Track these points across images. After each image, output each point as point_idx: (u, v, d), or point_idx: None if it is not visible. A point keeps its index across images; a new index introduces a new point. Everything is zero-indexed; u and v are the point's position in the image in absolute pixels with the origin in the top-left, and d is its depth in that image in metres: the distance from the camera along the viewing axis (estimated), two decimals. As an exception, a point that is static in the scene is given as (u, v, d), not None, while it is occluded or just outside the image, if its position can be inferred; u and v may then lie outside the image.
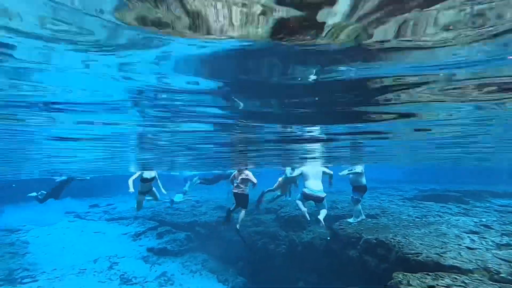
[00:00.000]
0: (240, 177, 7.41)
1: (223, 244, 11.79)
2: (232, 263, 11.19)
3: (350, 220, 7.85)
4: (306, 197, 7.20)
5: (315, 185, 7.07)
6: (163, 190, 7.96)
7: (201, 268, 11.12)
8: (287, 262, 9.38)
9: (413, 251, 5.38)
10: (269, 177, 11.12)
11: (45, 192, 9.57)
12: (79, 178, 10.68)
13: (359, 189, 7.63)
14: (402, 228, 7.21)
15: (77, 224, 13.76)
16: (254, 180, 7.14)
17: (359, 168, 7.59)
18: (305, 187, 7.17)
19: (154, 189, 7.95)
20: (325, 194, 7.16)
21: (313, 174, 7.21)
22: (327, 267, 8.08)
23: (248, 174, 7.30)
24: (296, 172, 7.68)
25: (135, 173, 7.34)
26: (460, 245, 5.35)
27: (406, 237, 6.19)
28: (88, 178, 11.20)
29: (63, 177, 9.83)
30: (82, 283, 9.20)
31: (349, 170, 7.72)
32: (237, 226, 7.70)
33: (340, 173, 7.80)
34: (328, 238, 8.44)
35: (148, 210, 14.27)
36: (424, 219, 8.17)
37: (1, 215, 13.51)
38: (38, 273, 9.37)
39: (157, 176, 7.82)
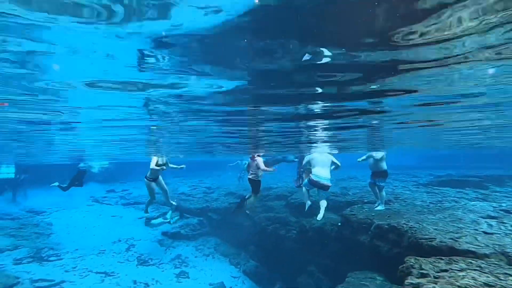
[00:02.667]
0: (253, 164, 7.53)
1: (235, 229, 12.06)
2: (243, 247, 11.48)
3: (379, 208, 7.69)
4: (312, 184, 7.18)
5: (322, 173, 7.04)
6: (180, 166, 7.62)
7: (213, 252, 11.50)
8: (298, 247, 9.49)
9: (426, 236, 5.27)
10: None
11: (65, 185, 9.81)
12: (93, 168, 11.07)
13: (380, 175, 7.48)
14: (416, 213, 7.05)
15: (95, 208, 14.45)
16: (262, 167, 7.21)
17: (379, 154, 7.43)
18: (312, 174, 7.13)
19: (161, 178, 7.49)
20: (330, 184, 7.14)
21: (322, 162, 7.17)
22: (338, 251, 8.11)
23: (258, 161, 7.34)
24: (305, 159, 7.65)
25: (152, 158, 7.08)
26: (476, 230, 5.17)
27: (420, 223, 6.06)
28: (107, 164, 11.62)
29: (82, 165, 10.18)
30: (103, 263, 9.76)
31: (367, 156, 7.60)
32: (247, 211, 7.84)
33: (358, 159, 7.69)
34: (339, 224, 8.43)
35: (162, 196, 14.71)
36: (439, 204, 7.96)
37: (26, 198, 14.35)
38: (62, 252, 10.00)
39: (168, 161, 7.74)
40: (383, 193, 7.69)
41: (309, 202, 7.32)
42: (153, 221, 9.94)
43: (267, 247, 10.47)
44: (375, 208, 7.75)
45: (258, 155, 7.58)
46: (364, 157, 7.72)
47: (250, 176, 7.61)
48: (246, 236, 11.55)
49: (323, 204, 7.22)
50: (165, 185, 7.61)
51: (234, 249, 11.62)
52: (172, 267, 10.20)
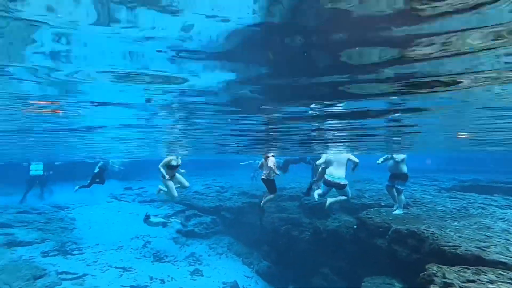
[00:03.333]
0: (265, 164, 7.58)
1: (248, 228, 12.09)
2: (256, 247, 11.48)
3: (397, 212, 7.44)
4: (327, 184, 7.14)
5: (336, 172, 6.99)
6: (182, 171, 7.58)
7: (227, 251, 11.59)
8: (312, 248, 9.37)
9: (450, 244, 5.01)
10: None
11: (87, 183, 10.39)
12: (114, 166, 11.53)
13: (400, 177, 7.24)
14: (437, 219, 6.74)
15: (114, 205, 14.98)
16: (273, 167, 7.26)
17: (401, 156, 7.20)
18: (326, 174, 7.08)
19: (177, 174, 7.46)
20: (346, 182, 7.02)
21: (337, 161, 7.11)
22: (353, 254, 7.93)
23: (269, 161, 7.38)
24: (321, 160, 7.57)
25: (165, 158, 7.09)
26: (508, 239, 4.85)
27: (442, 229, 5.78)
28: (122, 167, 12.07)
29: (101, 163, 10.64)
30: (121, 258, 10.11)
31: (384, 158, 7.39)
32: (261, 203, 8.07)
33: (378, 161, 7.51)
34: (355, 226, 8.25)
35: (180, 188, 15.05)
36: (463, 211, 7.56)
37: (51, 194, 15.15)
38: (84, 246, 10.46)
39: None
40: (402, 196, 7.43)
41: (316, 197, 7.29)
42: (152, 219, 9.96)
43: (280, 248, 10.41)
44: (393, 212, 7.50)
45: (272, 155, 7.63)
46: (382, 159, 7.50)
47: (263, 176, 7.67)
48: (259, 236, 11.55)
49: (341, 198, 7.15)
50: (184, 181, 7.53)
51: (247, 249, 11.65)
52: (187, 264, 10.38)
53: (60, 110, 3.47)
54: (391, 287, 6.05)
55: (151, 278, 9.19)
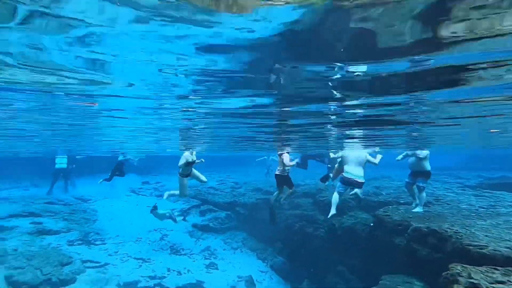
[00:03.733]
0: (279, 160, 7.63)
1: (262, 225, 12.12)
2: (270, 243, 11.51)
3: (417, 209, 7.19)
4: (345, 182, 6.92)
5: (355, 170, 6.78)
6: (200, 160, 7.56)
7: (241, 246, 11.70)
8: (326, 245, 9.26)
9: (475, 243, 4.76)
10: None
11: (108, 176, 10.82)
12: (134, 160, 11.93)
13: (422, 175, 6.96)
14: (461, 217, 6.43)
15: (132, 198, 15.54)
16: (288, 163, 7.24)
17: (424, 152, 6.93)
18: (344, 171, 6.89)
19: (194, 170, 7.52)
20: (364, 180, 6.84)
21: (355, 159, 6.89)
22: (369, 252, 7.74)
23: (284, 157, 7.41)
24: (337, 154, 7.43)
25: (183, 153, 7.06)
26: (540, 240, 4.55)
27: (467, 228, 5.51)
28: (137, 160, 12.45)
29: (122, 157, 11.06)
30: (140, 249, 10.50)
31: (404, 155, 7.13)
32: (272, 200, 8.15)
33: (397, 158, 7.28)
34: (372, 224, 8.05)
35: (191, 189, 15.34)
36: (490, 209, 7.15)
37: (75, 186, 15.95)
38: (106, 237, 10.96)
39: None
40: (423, 194, 7.14)
41: (334, 211, 6.88)
42: (159, 211, 9.90)
43: (294, 245, 10.38)
44: (413, 210, 7.23)
45: (286, 152, 7.64)
46: (401, 156, 7.23)
47: (277, 172, 7.72)
48: (273, 232, 11.55)
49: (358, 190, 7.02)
50: (201, 176, 7.66)
51: (261, 244, 11.71)
52: (202, 258, 10.60)
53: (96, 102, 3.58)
54: (410, 286, 5.86)
55: (168, 270, 9.47)
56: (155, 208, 9.83)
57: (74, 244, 10.05)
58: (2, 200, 12.47)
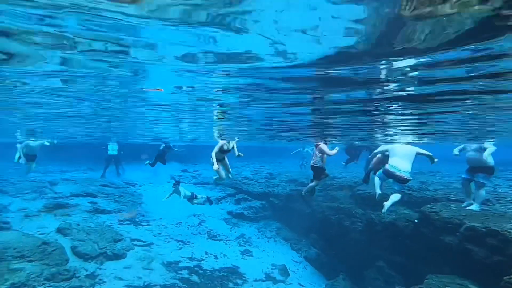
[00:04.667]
0: (316, 151, 7.64)
1: (296, 216, 12.13)
2: (304, 235, 11.48)
3: (473, 207, 6.60)
4: (387, 174, 6.54)
5: (402, 165, 6.31)
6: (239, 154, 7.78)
7: (275, 235, 11.88)
8: (365, 240, 8.94)
9: (549, 247, 4.21)
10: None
11: (151, 162, 11.87)
12: (176, 149, 12.75)
13: (484, 170, 6.35)
14: (529, 219, 5.70)
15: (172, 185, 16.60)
16: (328, 152, 7.19)
17: (489, 146, 6.28)
18: (389, 164, 6.48)
19: (226, 160, 7.91)
20: (410, 177, 6.35)
21: (402, 153, 6.46)
22: (414, 250, 7.31)
23: (322, 147, 7.38)
24: (380, 148, 7.07)
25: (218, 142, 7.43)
26: None
27: (536, 230, 4.88)
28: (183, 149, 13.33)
29: (163, 145, 11.91)
30: (180, 232, 11.27)
31: (460, 149, 6.54)
32: (302, 192, 8.19)
33: (455, 150, 6.77)
34: (416, 220, 7.55)
35: (227, 178, 15.91)
36: None
37: (124, 171, 17.61)
38: (150, 219, 11.97)
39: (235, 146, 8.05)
40: (483, 191, 6.46)
41: (379, 191, 6.73)
42: (195, 201, 10.56)
43: (329, 237, 10.20)
44: (469, 207, 6.60)
45: (323, 143, 7.53)
46: (458, 150, 6.61)
47: (312, 163, 7.75)
48: (307, 223, 11.49)
49: (395, 197, 6.49)
50: (229, 167, 8.07)
51: (295, 235, 11.74)
52: (237, 244, 11.00)
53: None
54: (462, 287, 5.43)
55: (206, 253, 10.04)
56: (177, 183, 10.50)
57: (124, 223, 11.16)
58: (67, 181, 14.31)
